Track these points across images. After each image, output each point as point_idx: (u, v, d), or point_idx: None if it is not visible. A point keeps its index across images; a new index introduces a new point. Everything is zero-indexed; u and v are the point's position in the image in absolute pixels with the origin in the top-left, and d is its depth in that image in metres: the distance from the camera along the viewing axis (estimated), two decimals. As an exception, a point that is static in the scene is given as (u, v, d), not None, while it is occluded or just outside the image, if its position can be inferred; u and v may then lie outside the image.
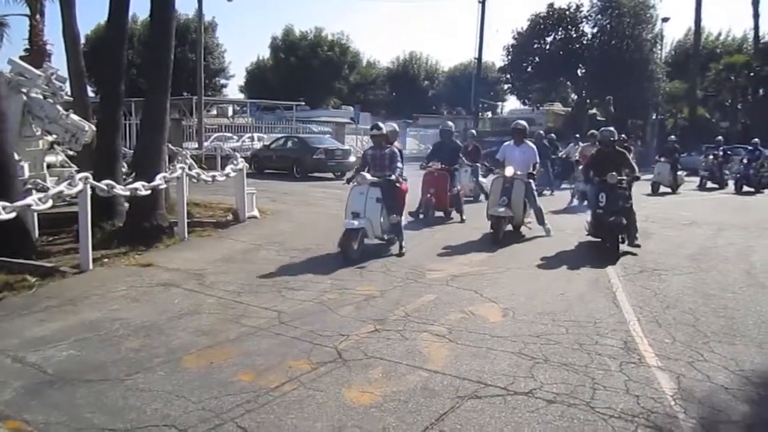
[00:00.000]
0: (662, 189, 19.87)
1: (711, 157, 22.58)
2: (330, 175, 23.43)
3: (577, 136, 22.88)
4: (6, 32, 25.34)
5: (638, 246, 9.33)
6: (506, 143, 11.12)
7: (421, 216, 11.86)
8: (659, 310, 6.39)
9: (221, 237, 10.32)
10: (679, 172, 20.56)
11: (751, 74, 40.80)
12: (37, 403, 4.06)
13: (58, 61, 40.88)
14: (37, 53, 22.72)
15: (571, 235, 10.79)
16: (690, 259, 9.08)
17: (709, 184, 22.18)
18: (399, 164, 9.01)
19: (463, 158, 13.42)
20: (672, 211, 14.89)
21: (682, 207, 16.02)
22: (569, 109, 44.37)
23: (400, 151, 9.55)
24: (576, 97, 45.56)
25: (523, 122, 11.47)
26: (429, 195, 11.95)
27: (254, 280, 7.40)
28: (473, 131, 15.57)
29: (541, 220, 10.88)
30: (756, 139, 22.78)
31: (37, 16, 23.92)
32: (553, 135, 23.07)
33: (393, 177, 8.83)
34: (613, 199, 9.10)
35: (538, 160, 11.08)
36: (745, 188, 20.73)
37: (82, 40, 18.49)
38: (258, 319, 5.90)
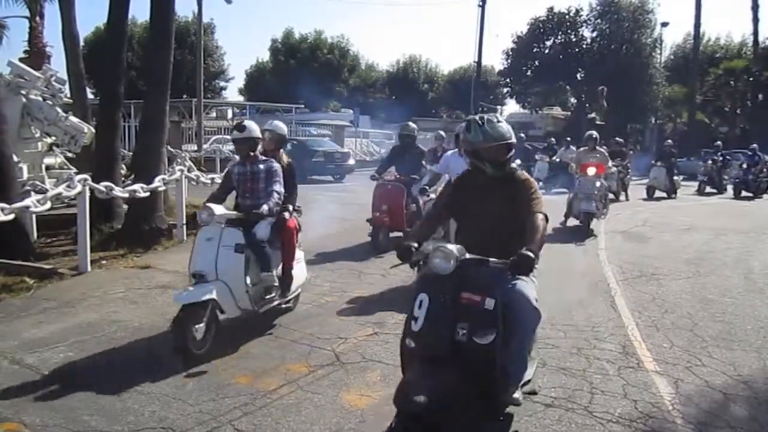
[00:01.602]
0: (658, 194, 19.76)
1: (710, 162, 22.52)
2: (329, 177, 23.46)
3: (569, 139, 22.56)
4: (5, 34, 25.26)
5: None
6: (449, 153, 8.86)
7: (370, 238, 9.75)
8: (658, 314, 6.39)
9: (220, 239, 10.28)
10: (676, 177, 20.39)
11: (751, 79, 40.87)
12: (35, 406, 4.05)
13: (58, 63, 41.00)
14: (36, 55, 22.69)
15: (569, 240, 10.78)
16: (688, 263, 9.08)
17: (708, 189, 22.09)
18: (277, 187, 5.77)
19: (429, 166, 10.29)
20: (670, 216, 14.89)
21: (681, 212, 16.04)
22: (568, 113, 44.43)
23: (289, 164, 6.51)
24: (575, 101, 45.63)
25: (442, 132, 12.11)
26: (380, 213, 9.68)
27: (253, 283, 7.38)
28: (441, 132, 12.65)
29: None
30: (755, 145, 22.77)
31: (37, 18, 23.89)
32: (552, 139, 22.99)
33: (265, 209, 5.54)
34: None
35: None
36: (744, 193, 20.70)
37: (82, 42, 18.50)
38: (255, 322, 5.88)
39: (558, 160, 19.62)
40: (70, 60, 14.87)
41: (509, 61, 44.65)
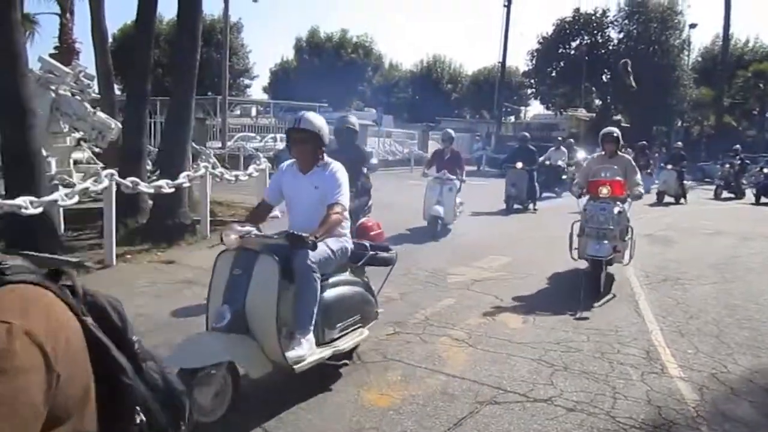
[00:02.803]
0: (667, 199, 18.89)
1: (728, 165, 21.84)
2: (351, 176, 23.45)
3: (560, 138, 21.44)
4: (37, 30, 25.67)
5: None
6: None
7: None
8: (682, 319, 6.31)
9: (243, 236, 10.35)
10: (685, 182, 19.56)
11: (780, 82, 40.20)
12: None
13: (87, 60, 41.39)
14: (66, 51, 23.01)
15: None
16: (714, 268, 8.96)
17: (725, 194, 21.30)
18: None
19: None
20: (695, 220, 14.71)
21: (705, 216, 15.81)
22: (593, 114, 44.04)
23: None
24: (600, 102, 45.21)
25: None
26: None
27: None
28: (450, 131, 12.43)
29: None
30: None
31: (67, 15, 24.23)
32: (571, 140, 22.16)
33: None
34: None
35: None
36: (764, 199, 19.88)
37: (110, 39, 18.74)
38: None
39: (548, 162, 18.11)
40: (99, 56, 15.08)
41: (534, 61, 44.36)
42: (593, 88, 44.38)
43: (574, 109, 44.00)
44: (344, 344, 4.53)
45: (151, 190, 9.08)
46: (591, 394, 4.37)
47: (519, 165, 14.89)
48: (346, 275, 4.75)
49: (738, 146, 23.54)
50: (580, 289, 6.89)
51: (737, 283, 8.07)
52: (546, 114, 48.40)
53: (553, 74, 43.38)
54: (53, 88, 11.13)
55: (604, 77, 42.11)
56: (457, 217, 11.55)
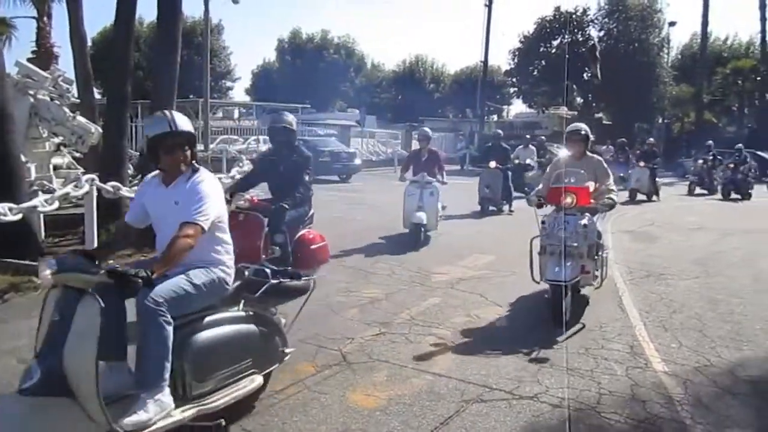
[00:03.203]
0: (640, 196, 18.55)
1: (700, 161, 21.80)
2: (335, 177, 23.45)
3: (528, 136, 20.70)
4: (13, 34, 25.42)
5: None
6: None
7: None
8: (666, 314, 6.36)
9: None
10: (658, 178, 19.07)
11: (758, 78, 40.80)
12: (42, 405, 4.05)
13: (65, 64, 41.16)
14: (44, 55, 22.83)
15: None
16: (696, 263, 9.04)
17: (699, 190, 21.24)
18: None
19: (308, 179, 6.95)
20: (677, 216, 14.86)
21: (688, 212, 15.97)
22: (575, 112, 44.33)
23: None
24: (582, 100, 45.52)
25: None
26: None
27: (259, 283, 7.38)
28: (427, 129, 11.76)
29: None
30: (740, 144, 21.78)
31: (45, 18, 24.03)
32: (543, 137, 21.64)
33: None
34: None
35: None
36: (733, 195, 19.89)
37: (89, 43, 18.57)
38: (263, 322, 5.89)
39: (516, 160, 16.99)
40: (78, 60, 14.95)
41: (516, 60, 44.61)
42: (575, 87, 44.67)
43: (556, 107, 44.29)
44: (220, 400, 3.57)
45: (133, 195, 8.99)
46: (576, 390, 4.39)
47: (493, 164, 14.11)
48: (233, 311, 3.85)
49: (711, 142, 23.53)
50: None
51: (719, 278, 8.13)
52: (528, 112, 48.64)
53: (535, 73, 43.61)
54: (31, 92, 11.01)
55: (585, 75, 42.38)
56: (439, 222, 10.79)
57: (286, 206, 6.48)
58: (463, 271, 8.18)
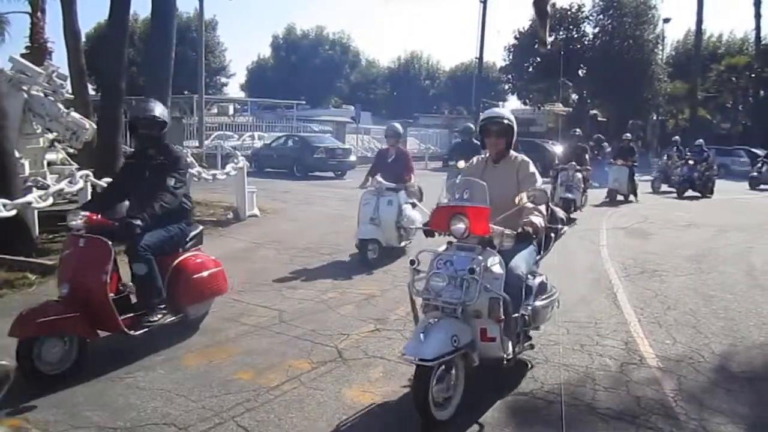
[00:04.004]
0: (619, 197, 16.94)
1: (665, 157, 21.23)
2: (330, 174, 23.46)
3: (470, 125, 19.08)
4: (7, 30, 25.32)
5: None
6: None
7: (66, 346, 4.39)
8: (660, 311, 6.38)
9: (221, 235, 10.31)
10: (636, 177, 17.39)
11: (753, 75, 40.92)
12: (38, 402, 4.05)
13: (59, 59, 40.84)
14: (38, 51, 22.69)
15: (569, 236, 10.77)
16: (690, 260, 9.07)
17: (664, 188, 20.25)
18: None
19: (175, 185, 5.22)
20: (671, 213, 14.90)
21: (681, 208, 16.01)
22: (570, 109, 44.36)
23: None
24: (577, 97, 45.57)
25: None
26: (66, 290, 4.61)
27: (254, 279, 7.39)
28: (396, 125, 9.57)
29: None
30: (701, 140, 21.14)
31: (38, 14, 23.90)
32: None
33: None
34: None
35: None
36: (690, 192, 18.88)
37: (83, 38, 18.50)
38: (258, 318, 5.89)
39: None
40: (72, 56, 14.88)
41: (511, 57, 44.58)
42: (570, 83, 44.72)
43: (552, 104, 44.32)
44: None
45: (128, 191, 8.98)
46: (571, 386, 4.40)
47: (461, 164, 12.64)
48: None
49: (677, 138, 22.96)
50: (564, 286, 5.67)
51: (713, 274, 8.17)
52: (523, 109, 48.64)
53: (530, 69, 43.60)
54: (25, 88, 10.93)
55: (580, 72, 42.43)
56: (408, 239, 8.82)
57: (138, 222, 4.72)
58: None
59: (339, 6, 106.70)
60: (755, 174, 24.80)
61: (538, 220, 4.25)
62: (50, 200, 7.52)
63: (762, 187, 23.79)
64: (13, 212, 6.90)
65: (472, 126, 12.34)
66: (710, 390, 4.42)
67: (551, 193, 12.47)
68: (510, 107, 57.94)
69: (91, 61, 19.66)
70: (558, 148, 18.63)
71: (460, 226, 3.94)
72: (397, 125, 9.48)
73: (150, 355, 4.89)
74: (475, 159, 5.13)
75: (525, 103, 48.67)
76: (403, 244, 8.85)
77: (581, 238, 10.44)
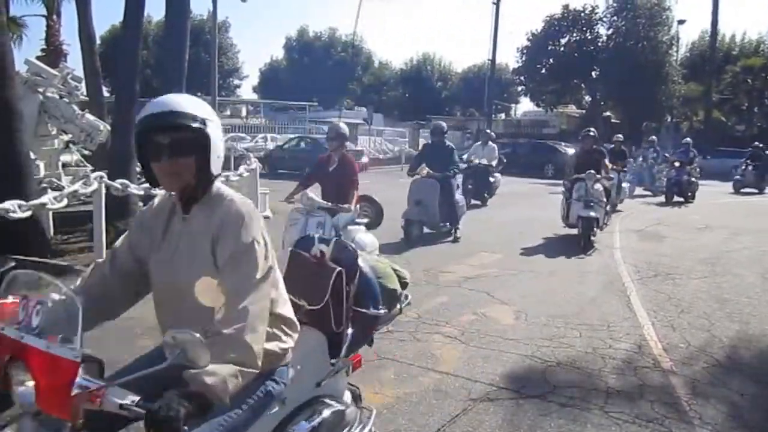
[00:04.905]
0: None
1: (641, 159, 19.46)
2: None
3: (489, 131, 18.60)
4: (23, 32, 25.57)
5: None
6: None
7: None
8: (674, 314, 6.34)
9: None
10: (624, 184, 15.54)
11: (768, 77, 40.48)
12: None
13: (74, 61, 41.30)
14: (53, 53, 22.95)
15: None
16: (704, 263, 9.00)
17: (639, 191, 18.78)
18: None
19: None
20: (684, 215, 14.80)
21: (693, 211, 15.89)
22: (583, 111, 44.17)
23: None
24: (590, 99, 45.37)
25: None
26: None
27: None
28: (341, 125, 7.52)
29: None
30: (688, 139, 19.71)
31: (54, 17, 24.17)
32: (493, 134, 18.32)
33: None
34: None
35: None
36: (677, 198, 17.50)
37: (98, 41, 18.64)
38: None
39: (476, 160, 15.33)
40: (87, 58, 15.00)
41: (524, 58, 44.42)
42: (583, 85, 44.55)
43: (565, 105, 44.20)
44: None
45: (141, 192, 9.02)
46: (584, 390, 4.38)
47: (425, 171, 10.09)
48: None
49: (654, 138, 21.55)
50: (577, 288, 6.63)
51: (727, 277, 8.11)
52: (536, 111, 48.50)
53: (543, 71, 43.45)
54: (41, 90, 11.04)
55: (593, 74, 42.24)
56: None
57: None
58: (471, 270, 8.16)
59: (351, 8, 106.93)
60: (739, 177, 22.45)
61: (218, 379, 1.84)
62: (65, 201, 7.57)
63: (745, 190, 22.08)
64: (28, 213, 6.94)
65: (443, 124, 10.96)
66: (724, 395, 4.38)
67: (563, 211, 10.82)
68: (522, 109, 57.99)
69: (106, 64, 19.76)
70: (572, 151, 17.84)
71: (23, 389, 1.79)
72: (342, 125, 7.41)
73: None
74: (156, 200, 2.54)
75: (538, 105, 48.52)
76: None
77: (594, 241, 10.40)
